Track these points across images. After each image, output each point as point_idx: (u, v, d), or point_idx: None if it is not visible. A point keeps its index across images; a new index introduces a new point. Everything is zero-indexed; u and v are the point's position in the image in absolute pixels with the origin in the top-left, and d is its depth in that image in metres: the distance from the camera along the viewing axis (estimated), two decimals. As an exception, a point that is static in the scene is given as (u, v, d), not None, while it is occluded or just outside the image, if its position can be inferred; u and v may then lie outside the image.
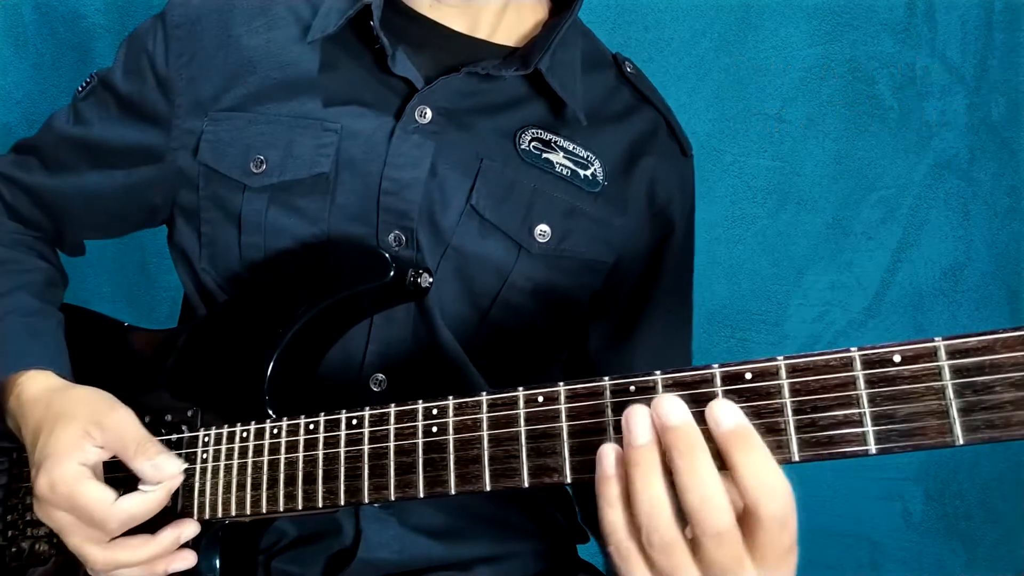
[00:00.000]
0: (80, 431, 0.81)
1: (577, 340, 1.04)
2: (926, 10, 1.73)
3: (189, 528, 0.82)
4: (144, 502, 0.80)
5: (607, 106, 1.01)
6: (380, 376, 0.92)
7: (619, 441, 0.59)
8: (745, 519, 0.55)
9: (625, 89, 1.03)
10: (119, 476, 0.82)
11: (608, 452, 0.58)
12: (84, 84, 1.01)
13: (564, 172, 0.95)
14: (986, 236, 1.75)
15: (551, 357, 1.04)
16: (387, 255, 0.84)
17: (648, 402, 0.57)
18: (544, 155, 0.95)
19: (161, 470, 0.80)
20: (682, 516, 0.56)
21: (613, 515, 0.58)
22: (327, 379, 0.91)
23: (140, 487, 0.80)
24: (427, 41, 0.95)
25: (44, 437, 0.83)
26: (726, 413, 0.55)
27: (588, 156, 0.97)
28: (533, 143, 0.94)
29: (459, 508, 0.96)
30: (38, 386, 0.88)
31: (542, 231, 0.94)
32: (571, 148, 0.96)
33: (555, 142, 0.96)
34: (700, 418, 0.56)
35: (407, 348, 0.92)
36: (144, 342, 0.96)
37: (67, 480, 0.79)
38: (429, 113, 0.91)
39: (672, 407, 0.56)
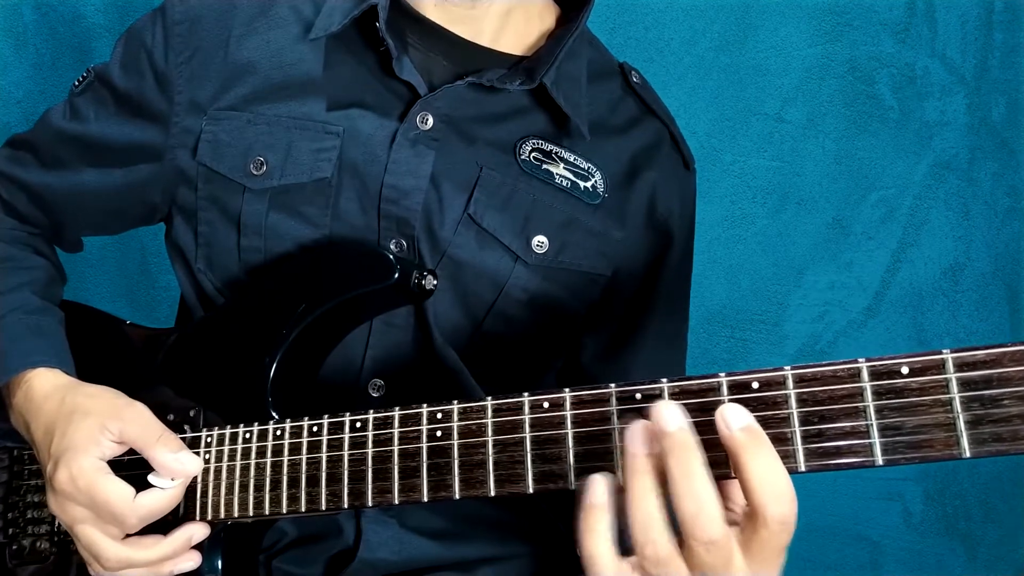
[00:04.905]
0: (97, 425, 0.81)
1: (572, 350, 1.04)
2: (926, 10, 1.73)
3: (200, 530, 0.82)
4: (162, 499, 0.80)
5: (611, 117, 1.00)
6: (379, 381, 0.92)
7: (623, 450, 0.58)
8: (748, 519, 0.55)
9: (630, 99, 1.02)
10: (120, 476, 0.81)
11: (599, 480, 0.58)
12: (80, 79, 1.00)
13: (564, 183, 0.94)
14: (986, 236, 1.76)
15: (545, 367, 1.03)
16: (391, 256, 0.84)
17: None
18: (544, 166, 0.94)
19: (183, 463, 0.81)
20: (674, 524, 0.56)
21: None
22: (327, 383, 0.91)
23: (154, 483, 0.80)
24: (432, 46, 0.94)
25: (60, 432, 0.83)
26: (736, 415, 0.55)
27: (589, 168, 0.96)
28: (533, 154, 0.94)
29: (459, 511, 0.96)
30: (48, 383, 0.88)
31: (539, 242, 0.93)
32: (572, 159, 0.95)
33: (556, 153, 0.95)
34: (705, 426, 0.56)
35: (406, 354, 0.92)
36: (145, 340, 0.96)
37: (87, 474, 0.80)
38: (431, 120, 0.91)
39: (669, 413, 0.56)
